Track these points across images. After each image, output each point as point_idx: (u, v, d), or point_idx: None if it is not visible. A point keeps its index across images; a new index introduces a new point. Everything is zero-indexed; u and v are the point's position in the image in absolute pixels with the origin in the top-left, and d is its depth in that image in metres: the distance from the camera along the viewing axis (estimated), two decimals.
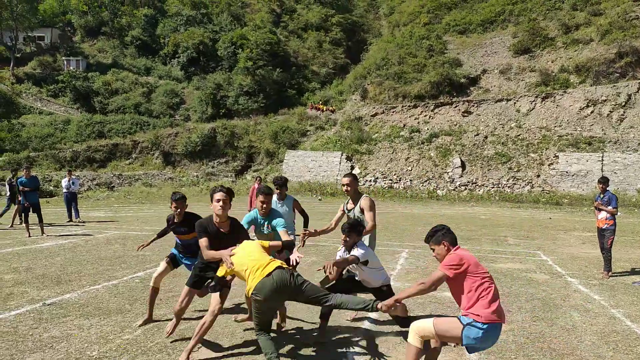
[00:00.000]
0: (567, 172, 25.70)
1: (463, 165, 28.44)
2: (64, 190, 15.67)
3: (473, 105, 32.50)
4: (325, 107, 39.33)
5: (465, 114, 32.31)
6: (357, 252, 4.52)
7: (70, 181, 15.61)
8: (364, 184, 29.09)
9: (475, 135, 30.32)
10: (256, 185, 12.14)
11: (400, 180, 29.15)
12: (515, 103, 31.23)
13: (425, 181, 28.41)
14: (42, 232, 11.94)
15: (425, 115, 33.45)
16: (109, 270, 7.93)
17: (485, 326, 3.42)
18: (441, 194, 27.04)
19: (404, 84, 35.62)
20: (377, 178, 29.58)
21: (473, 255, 3.74)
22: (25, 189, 11.93)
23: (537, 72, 32.51)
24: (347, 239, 4.61)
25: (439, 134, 31.37)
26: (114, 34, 57.70)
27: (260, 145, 35.64)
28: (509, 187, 26.58)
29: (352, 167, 30.71)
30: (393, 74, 36.54)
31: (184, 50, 50.44)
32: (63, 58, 52.89)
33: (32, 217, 12.16)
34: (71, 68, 51.03)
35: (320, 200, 25.63)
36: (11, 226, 13.63)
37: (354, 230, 4.60)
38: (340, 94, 41.73)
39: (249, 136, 36.52)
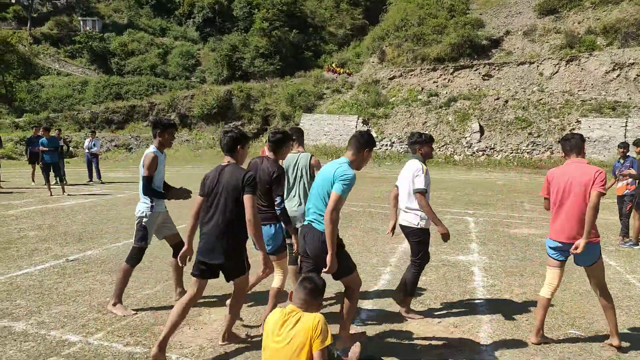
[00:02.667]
0: (588, 138, 25.11)
1: (481, 130, 28.00)
2: (86, 151, 15.79)
3: (494, 69, 31.65)
4: (342, 70, 38.70)
5: (486, 78, 31.52)
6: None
7: (92, 142, 15.67)
8: (379, 148, 28.91)
9: (495, 100, 29.66)
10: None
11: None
12: (538, 66, 30.30)
13: (443, 146, 28.10)
14: (63, 191, 12.22)
15: (444, 79, 32.73)
16: (128, 229, 8.13)
17: None
18: (458, 159, 26.78)
19: (423, 46, 34.72)
20: (393, 142, 29.34)
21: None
22: (46, 149, 12.14)
23: (562, 33, 31.33)
24: None
25: (457, 98, 30.75)
26: None
27: (276, 108, 35.43)
28: (528, 152, 26.16)
29: (369, 131, 30.48)
30: (412, 36, 35.59)
31: (199, 10, 49.72)
32: (79, 18, 52.63)
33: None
34: (87, 29, 50.84)
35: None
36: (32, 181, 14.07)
37: None
38: (358, 57, 40.93)
39: (265, 99, 36.29)
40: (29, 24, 49.69)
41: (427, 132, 28.90)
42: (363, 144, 3.65)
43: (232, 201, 3.51)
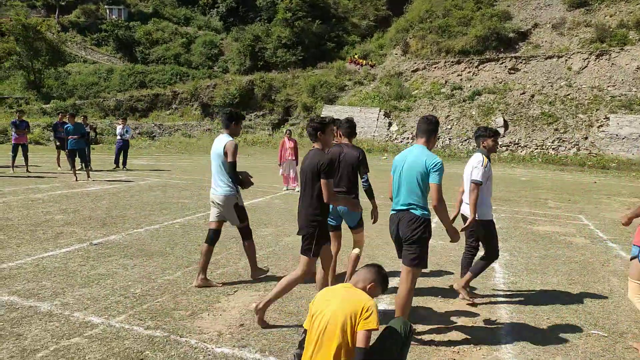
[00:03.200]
0: (617, 135, 24.46)
1: (506, 125, 27.52)
2: (118, 137, 15.82)
3: (521, 62, 31.01)
4: (364, 62, 38.42)
5: (512, 71, 30.91)
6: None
7: (124, 129, 15.69)
8: (401, 141, 28.69)
9: (521, 94, 29.09)
10: (286, 139, 12.13)
11: (439, 139, 28.57)
12: (566, 60, 29.57)
13: (465, 140, 27.73)
14: (88, 177, 12.47)
15: (469, 72, 32.22)
16: (150, 215, 8.26)
17: None
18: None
19: (447, 39, 34.22)
20: (415, 136, 29.10)
21: None
22: (74, 136, 12.36)
23: (592, 27, 30.48)
24: None
25: (482, 91, 30.26)
26: None
27: (298, 99, 35.42)
28: (553, 148, 25.64)
29: (390, 124, 30.25)
30: (437, 28, 35.09)
31: (223, 0, 49.85)
32: (105, 6, 53.35)
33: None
34: (113, 17, 51.52)
35: (385, 158, 25.53)
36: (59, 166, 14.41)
37: None
38: (381, 48, 40.56)
39: (287, 89, 36.30)
40: (57, 12, 50.62)
41: (449, 126, 28.64)
42: (435, 129, 3.96)
43: (312, 182, 3.90)
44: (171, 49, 46.63)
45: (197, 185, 12.22)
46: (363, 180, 4.71)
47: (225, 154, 4.83)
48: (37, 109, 31.95)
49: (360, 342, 2.56)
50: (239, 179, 4.98)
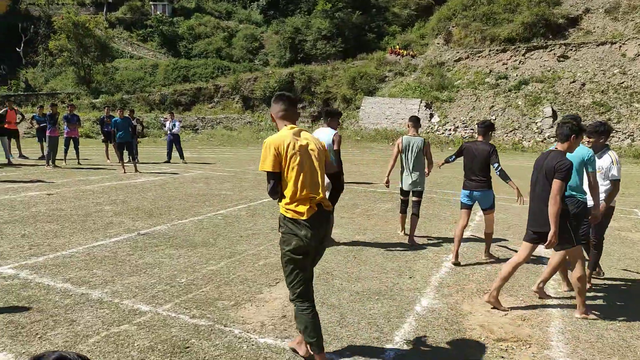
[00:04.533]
0: None
1: (554, 115, 26.42)
2: (167, 132, 16.10)
3: (571, 49, 29.64)
4: (405, 52, 37.76)
5: (561, 59, 29.60)
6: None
7: (173, 123, 15.91)
8: (442, 133, 28.10)
9: (571, 83, 27.83)
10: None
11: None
12: (620, 47, 28.01)
13: (511, 131, 26.85)
14: (136, 169, 12.89)
15: (515, 60, 31.09)
16: (194, 207, 8.44)
17: None
18: (527, 145, 25.49)
19: (492, 26, 33.12)
20: (457, 127, 28.40)
21: None
22: (120, 129, 12.80)
23: None
24: None
25: (529, 80, 29.15)
26: None
27: (337, 91, 35.27)
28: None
29: (432, 115, 29.66)
30: (481, 15, 34.02)
31: None
32: (150, 3, 54.75)
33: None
34: (158, 13, 52.84)
35: None
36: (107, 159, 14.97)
37: None
38: (422, 38, 39.73)
39: (326, 81, 36.21)
40: (104, 9, 52.39)
41: (494, 116, 27.75)
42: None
43: (544, 181, 4.12)
44: (213, 43, 47.39)
45: (238, 177, 12.40)
46: (495, 168, 5.49)
47: (333, 143, 5.70)
48: (87, 104, 33.28)
49: (332, 168, 3.38)
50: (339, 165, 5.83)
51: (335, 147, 5.64)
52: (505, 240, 6.94)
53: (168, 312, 4.00)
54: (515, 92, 28.81)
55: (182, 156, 15.77)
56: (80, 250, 5.64)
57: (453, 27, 35.25)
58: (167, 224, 7.08)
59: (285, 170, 3.05)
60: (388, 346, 3.57)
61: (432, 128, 28.91)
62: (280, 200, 3.12)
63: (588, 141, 5.04)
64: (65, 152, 13.97)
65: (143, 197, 9.16)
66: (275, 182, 3.07)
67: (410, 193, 6.62)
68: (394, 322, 3.98)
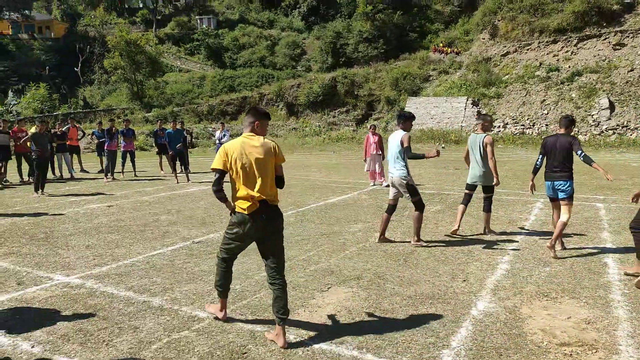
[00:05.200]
0: None
1: (612, 107, 25.08)
2: (217, 142, 16.68)
3: (627, 36, 28.06)
4: (449, 49, 37.07)
5: (617, 47, 28.07)
6: None
7: (223, 133, 16.39)
8: (491, 130, 27.30)
9: (628, 72, 26.33)
10: (370, 134, 12.01)
11: (534, 126, 26.77)
12: None
13: None
14: (188, 179, 13.33)
15: (567, 51, 29.79)
16: None
17: None
18: (583, 139, 24.32)
19: (541, 17, 31.90)
20: (507, 123, 27.53)
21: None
22: (173, 140, 13.27)
23: None
24: None
25: (582, 71, 27.84)
26: None
27: (381, 93, 35.07)
28: None
29: (479, 113, 28.88)
30: (528, 7, 32.84)
31: (304, 0, 50.72)
32: (196, 17, 56.66)
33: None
34: (204, 26, 54.59)
35: (443, 148, 24.73)
36: (161, 170, 15.54)
37: None
38: (467, 34, 38.87)
39: (369, 84, 36.09)
40: (154, 26, 54.71)
41: (545, 111, 26.73)
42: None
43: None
44: (257, 52, 48.39)
45: (286, 184, 12.55)
46: (579, 154, 5.77)
47: (402, 143, 6.08)
48: (140, 118, 34.82)
49: (279, 171, 3.89)
50: (418, 156, 6.08)
51: (405, 145, 6.07)
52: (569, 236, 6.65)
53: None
54: (568, 85, 27.59)
55: None
56: (140, 259, 5.90)
57: (499, 20, 34.24)
58: (219, 232, 7.27)
59: (233, 172, 3.66)
60: (445, 351, 3.51)
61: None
62: (218, 196, 3.76)
63: None
64: (123, 165, 14.67)
65: (196, 206, 9.46)
66: (219, 177, 3.73)
67: (482, 188, 6.91)
68: (449, 327, 3.90)
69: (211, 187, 3.71)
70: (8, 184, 13.39)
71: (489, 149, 6.56)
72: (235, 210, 3.70)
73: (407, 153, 6.11)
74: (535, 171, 6.26)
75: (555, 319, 4.05)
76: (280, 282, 3.68)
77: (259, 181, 3.65)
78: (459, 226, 6.83)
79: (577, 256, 5.83)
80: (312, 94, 36.14)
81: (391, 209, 6.52)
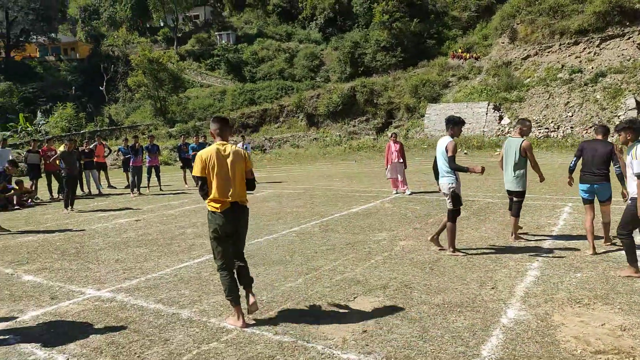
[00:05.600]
0: None
1: (639, 107, 24.46)
2: None
3: None
4: (468, 55, 36.79)
5: None
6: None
7: (244, 146, 16.68)
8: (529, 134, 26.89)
9: None
10: (391, 142, 11.96)
11: (558, 129, 26.28)
12: None
13: (590, 127, 25.15)
14: None
15: (589, 52, 29.25)
16: (268, 225, 8.69)
17: None
18: (611, 140, 23.73)
19: (561, 19, 31.43)
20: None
21: None
22: (196, 153, 13.50)
23: None
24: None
25: (606, 72, 27.26)
26: (257, 4, 60.79)
27: (400, 101, 34.96)
28: None
29: (501, 117, 28.53)
30: (548, 9, 32.40)
31: (320, 12, 51.21)
32: (216, 33, 57.68)
33: None
34: (223, 42, 55.51)
35: (465, 154, 24.46)
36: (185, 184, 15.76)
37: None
38: (485, 39, 38.54)
39: (388, 92, 36.03)
40: (175, 44, 55.89)
41: (570, 113, 26.19)
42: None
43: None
44: (275, 65, 48.92)
45: (309, 194, 12.60)
46: (615, 168, 5.89)
47: (447, 151, 6.02)
48: (164, 133, 35.49)
49: (249, 175, 4.32)
50: (461, 168, 5.99)
51: (449, 154, 6.02)
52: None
53: (252, 329, 4.14)
54: (592, 86, 27.05)
55: None
56: (168, 272, 6.00)
57: (518, 24, 33.87)
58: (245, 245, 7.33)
59: (208, 176, 4.12)
60: None
61: (502, 130, 27.77)
62: (206, 199, 4.19)
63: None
64: (148, 180, 14.95)
65: None
66: (202, 183, 4.16)
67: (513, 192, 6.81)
68: (479, 336, 3.84)
69: (198, 191, 4.26)
70: (39, 201, 13.79)
71: (528, 154, 6.53)
72: (210, 210, 4.18)
73: (450, 163, 6.02)
74: (571, 171, 6.55)
75: (589, 326, 3.96)
76: (244, 261, 4.43)
77: (231, 184, 4.14)
78: (518, 230, 6.99)
79: (609, 261, 5.69)
80: (332, 104, 36.25)
81: (455, 215, 6.25)
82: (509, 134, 7.18)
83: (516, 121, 6.96)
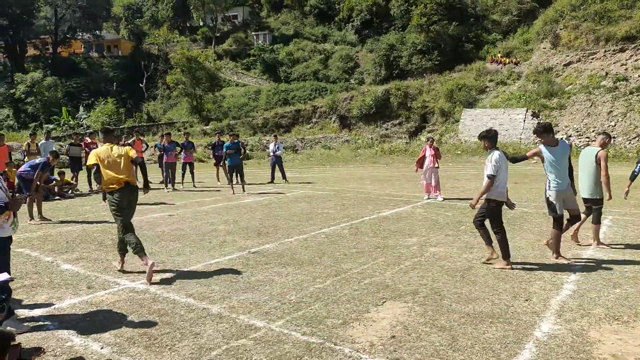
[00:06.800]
0: None
1: None
2: (271, 154, 16.93)
3: None
4: (507, 60, 36.00)
5: None
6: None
7: (276, 145, 16.66)
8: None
9: None
10: (427, 146, 11.83)
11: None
12: None
13: (634, 138, 24.20)
14: (244, 190, 13.67)
15: (636, 60, 28.16)
16: (299, 226, 8.74)
17: None
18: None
19: (607, 25, 30.37)
20: (570, 135, 26.27)
21: None
22: (230, 151, 13.67)
23: None
24: None
25: None
26: (294, 6, 61.23)
27: (434, 105, 34.52)
28: None
29: (604, 133, 27.65)
30: (593, 14, 31.37)
31: (357, 14, 51.11)
32: (253, 33, 58.44)
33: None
34: (260, 42, 56.16)
35: None
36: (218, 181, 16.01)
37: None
38: (526, 44, 37.65)
39: (423, 96, 35.63)
40: (213, 43, 56.90)
41: (613, 122, 25.32)
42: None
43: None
44: (310, 66, 49.14)
45: (339, 196, 12.60)
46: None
47: (598, 161, 6.61)
48: (199, 131, 36.16)
49: (133, 160, 5.98)
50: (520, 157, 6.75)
51: (602, 164, 6.56)
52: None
53: (281, 328, 4.16)
54: (638, 95, 26.00)
55: (284, 176, 16.42)
56: (199, 267, 6.11)
57: (561, 29, 32.92)
58: (275, 243, 7.40)
59: (102, 166, 5.71)
60: None
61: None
62: (101, 183, 6.42)
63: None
64: (182, 176, 15.26)
65: (251, 217, 9.68)
66: (96, 170, 6.37)
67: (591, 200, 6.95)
68: (511, 348, 3.75)
69: (95, 179, 6.06)
70: (78, 192, 14.29)
71: (602, 163, 6.60)
72: (109, 190, 5.78)
73: (511, 161, 6.39)
74: (633, 178, 6.87)
75: (628, 344, 3.81)
76: (133, 230, 5.88)
77: (120, 169, 5.74)
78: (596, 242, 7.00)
79: None
80: (365, 107, 36.13)
81: (558, 223, 6.16)
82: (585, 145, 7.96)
83: (600, 133, 7.43)
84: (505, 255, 5.85)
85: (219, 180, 16.30)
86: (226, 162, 13.98)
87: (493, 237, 5.99)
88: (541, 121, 7.23)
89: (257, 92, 45.60)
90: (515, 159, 6.48)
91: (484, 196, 5.91)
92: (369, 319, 4.36)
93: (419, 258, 6.44)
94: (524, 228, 8.29)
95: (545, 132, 6.10)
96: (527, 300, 4.80)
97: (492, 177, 5.78)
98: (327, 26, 56.76)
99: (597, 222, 6.84)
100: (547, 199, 6.10)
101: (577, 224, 6.72)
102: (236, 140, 13.98)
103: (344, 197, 12.46)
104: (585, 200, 6.92)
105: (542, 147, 6.16)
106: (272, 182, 16.38)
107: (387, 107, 36.39)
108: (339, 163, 26.30)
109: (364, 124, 36.78)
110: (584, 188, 6.86)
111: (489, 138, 6.04)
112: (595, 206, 6.83)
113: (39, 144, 14.03)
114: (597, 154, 6.68)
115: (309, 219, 9.35)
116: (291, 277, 5.64)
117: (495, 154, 5.89)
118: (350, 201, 11.70)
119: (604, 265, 5.96)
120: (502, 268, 5.80)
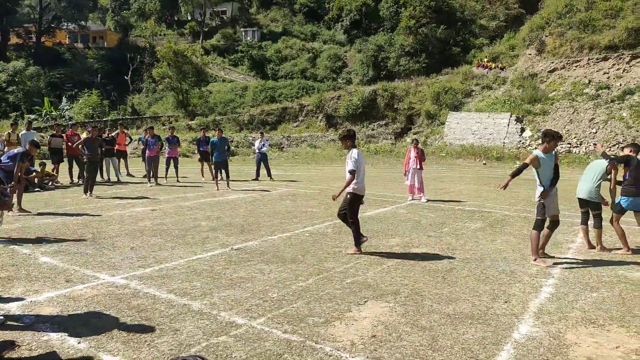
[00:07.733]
0: None
1: None
2: (257, 151, 16.86)
3: None
4: (493, 65, 36.37)
5: None
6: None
7: (262, 142, 16.63)
8: (535, 147, 26.50)
9: None
10: (412, 148, 11.89)
11: (581, 145, 25.84)
12: None
13: (614, 145, 24.69)
14: (228, 186, 13.59)
15: (618, 69, 28.69)
16: (282, 223, 8.72)
17: None
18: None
19: (591, 33, 30.88)
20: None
21: None
22: (217, 148, 13.55)
23: None
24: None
25: (635, 90, 26.73)
26: (284, 3, 61.02)
27: (421, 107, 34.72)
28: None
29: (523, 129, 28.14)
30: (578, 23, 31.87)
31: (347, 14, 51.14)
32: (241, 29, 58.07)
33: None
34: (248, 38, 55.85)
35: (484, 164, 24.21)
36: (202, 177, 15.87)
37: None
38: (512, 49, 38.06)
39: (409, 98, 35.81)
40: (201, 38, 56.41)
41: (594, 130, 25.75)
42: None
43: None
44: (298, 64, 49.02)
45: (324, 195, 12.60)
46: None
47: (609, 170, 7.00)
48: (184, 126, 35.80)
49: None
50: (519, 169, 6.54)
51: (613, 174, 6.97)
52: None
53: (262, 325, 4.15)
54: (619, 103, 26.53)
55: (269, 174, 16.37)
56: (181, 263, 6.05)
57: (546, 36, 33.39)
58: (258, 240, 7.37)
59: None
60: None
61: (523, 143, 27.41)
62: None
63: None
64: (166, 170, 15.10)
65: (235, 214, 9.63)
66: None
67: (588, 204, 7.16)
68: (490, 349, 3.80)
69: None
70: (59, 184, 14.05)
71: (613, 173, 7.03)
72: None
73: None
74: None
75: (603, 347, 3.88)
76: None
77: None
78: (590, 245, 7.16)
79: (627, 283, 5.57)
80: (352, 107, 36.17)
81: (539, 225, 6.31)
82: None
83: (630, 144, 7.31)
84: (357, 243, 6.55)
85: (203, 176, 16.17)
86: (212, 157, 13.87)
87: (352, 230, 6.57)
88: (549, 129, 7.33)
89: (244, 88, 45.33)
90: (519, 171, 6.33)
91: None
92: (350, 318, 4.37)
93: (401, 258, 6.47)
94: (505, 231, 8.39)
95: (559, 138, 6.47)
96: (506, 302, 4.86)
97: (352, 172, 6.43)
98: (316, 25, 56.70)
99: (599, 226, 7.01)
100: (539, 202, 6.26)
101: (590, 237, 7.14)
102: (223, 137, 13.88)
103: (329, 195, 12.44)
104: (581, 203, 7.18)
105: (538, 154, 6.29)
106: (257, 179, 16.33)
107: (373, 108, 36.49)
108: (324, 162, 26.31)
109: (351, 124, 36.77)
110: (582, 190, 7.12)
111: (350, 137, 6.72)
112: (594, 212, 7.02)
113: (20, 134, 13.78)
114: (607, 166, 7.02)
115: (293, 217, 9.34)
116: (274, 274, 5.62)
117: (354, 151, 6.58)
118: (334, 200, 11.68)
119: (582, 270, 6.07)
120: (353, 253, 6.49)
